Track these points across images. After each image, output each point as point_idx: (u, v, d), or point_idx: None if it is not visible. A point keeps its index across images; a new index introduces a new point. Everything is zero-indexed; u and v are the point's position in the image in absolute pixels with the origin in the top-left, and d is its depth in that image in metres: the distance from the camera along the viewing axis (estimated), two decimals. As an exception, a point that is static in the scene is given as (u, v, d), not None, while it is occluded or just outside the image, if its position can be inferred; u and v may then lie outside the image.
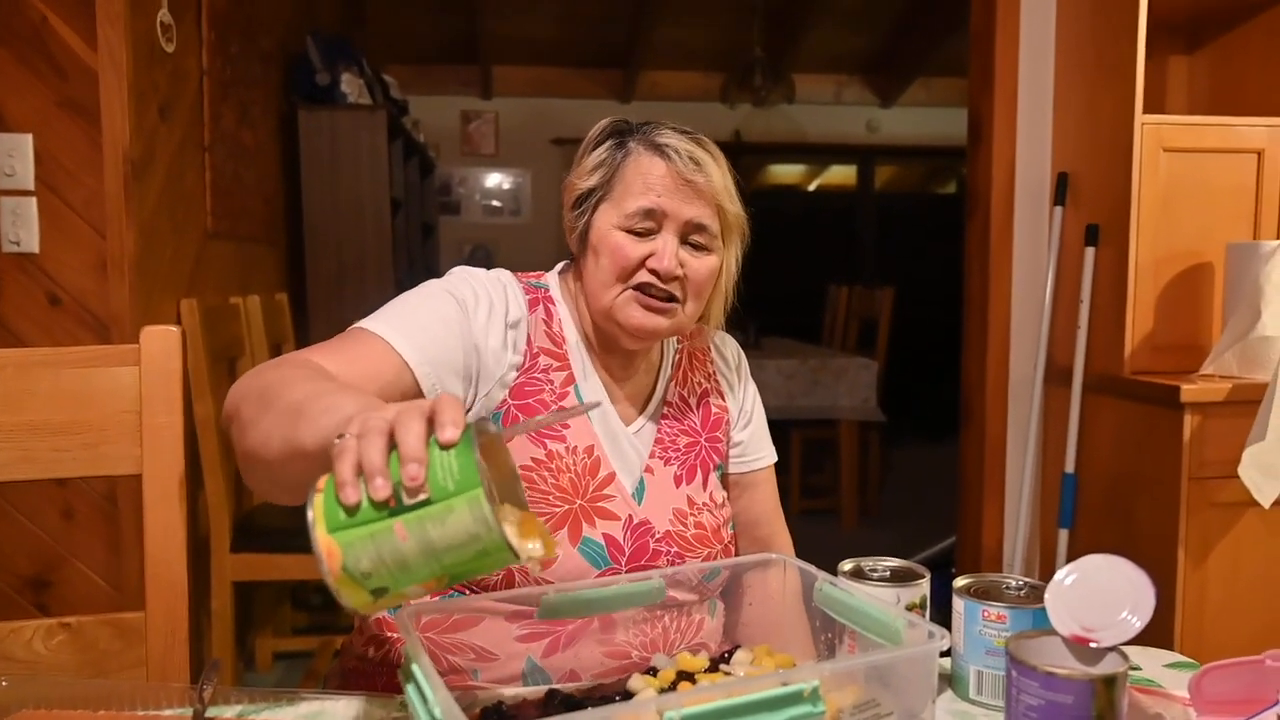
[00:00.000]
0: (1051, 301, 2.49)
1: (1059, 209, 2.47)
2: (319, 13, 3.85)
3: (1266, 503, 1.93)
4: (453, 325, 0.96)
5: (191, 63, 2.37)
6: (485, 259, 6.04)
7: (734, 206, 1.04)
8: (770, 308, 5.62)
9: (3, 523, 1.93)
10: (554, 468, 0.99)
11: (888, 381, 4.37)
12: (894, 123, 6.58)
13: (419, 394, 0.93)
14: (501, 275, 1.06)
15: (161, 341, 1.03)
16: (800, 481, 4.28)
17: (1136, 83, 2.13)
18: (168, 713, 0.78)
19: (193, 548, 1.04)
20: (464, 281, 1.02)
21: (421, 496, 0.59)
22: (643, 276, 1.00)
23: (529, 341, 1.03)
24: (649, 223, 1.00)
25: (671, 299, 1.01)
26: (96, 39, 1.91)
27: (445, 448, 0.60)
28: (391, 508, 0.59)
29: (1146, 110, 2.15)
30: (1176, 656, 0.96)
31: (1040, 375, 2.50)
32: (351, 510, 0.59)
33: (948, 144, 5.92)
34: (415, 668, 0.66)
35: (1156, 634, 0.70)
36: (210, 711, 0.74)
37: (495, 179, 6.16)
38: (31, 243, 1.92)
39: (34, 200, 1.92)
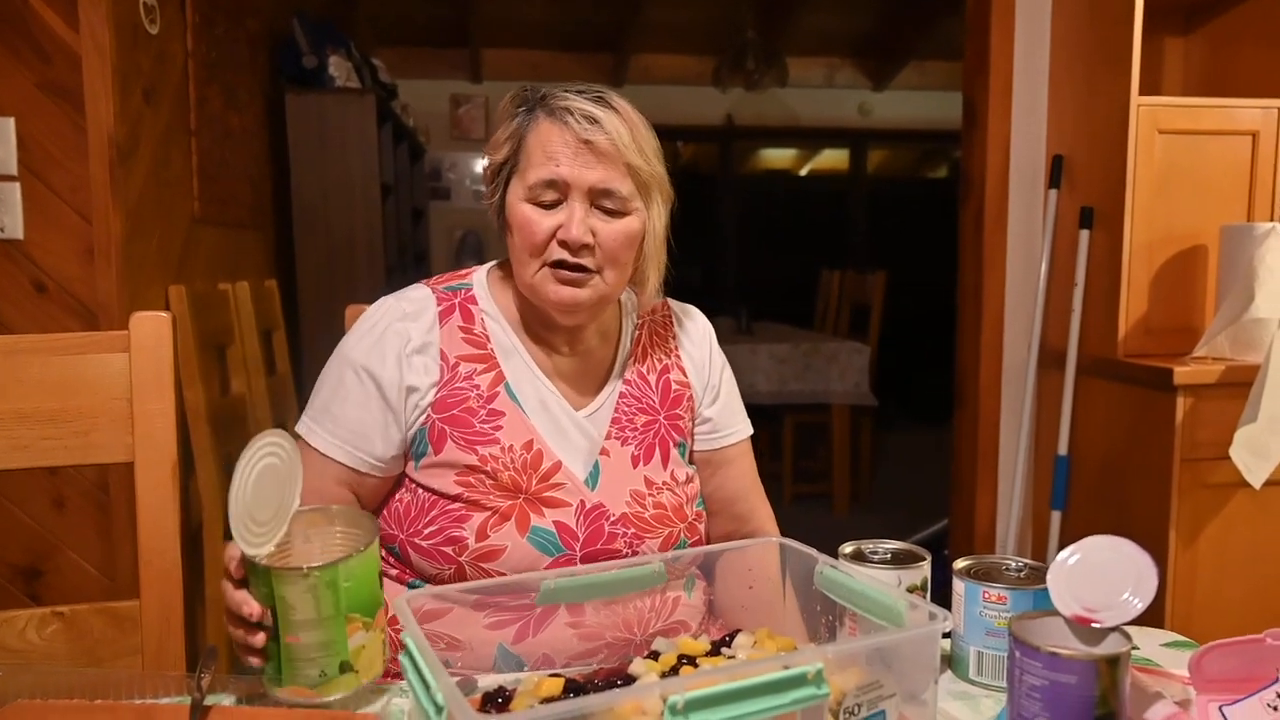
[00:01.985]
0: (1046, 285, 2.49)
1: (1054, 192, 2.47)
2: (306, -5, 3.80)
3: (1257, 484, 1.94)
4: (368, 404, 1.00)
5: (176, 45, 2.34)
6: (476, 245, 6.00)
7: (647, 164, 1.00)
8: (763, 292, 5.65)
9: (-7, 511, 1.92)
10: (490, 470, 0.99)
11: (880, 366, 4.37)
12: (887, 106, 6.55)
13: (359, 477, 1.02)
14: (407, 300, 1.05)
15: (152, 327, 1.02)
16: (792, 466, 4.29)
17: (1132, 64, 2.13)
18: (165, 701, 0.78)
19: (186, 535, 1.04)
20: (364, 342, 1.02)
21: (268, 616, 0.75)
22: (555, 252, 0.98)
23: (443, 355, 1.02)
24: (553, 193, 0.98)
25: (585, 269, 0.99)
26: (78, 21, 1.88)
27: (246, 580, 0.78)
28: (273, 638, 0.76)
29: (1142, 92, 2.15)
30: (1174, 636, 0.96)
31: (1034, 358, 2.51)
32: (269, 664, 0.77)
33: (941, 128, 5.91)
34: (417, 654, 0.65)
35: (1147, 613, 0.70)
36: (208, 699, 0.74)
37: (485, 164, 6.11)
38: (16, 229, 1.90)
39: (17, 186, 1.89)
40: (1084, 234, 2.33)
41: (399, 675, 0.93)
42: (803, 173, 7.28)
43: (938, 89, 6.21)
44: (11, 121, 1.87)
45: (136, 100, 2.07)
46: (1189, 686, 0.75)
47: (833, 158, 7.12)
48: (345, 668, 0.75)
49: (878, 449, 4.80)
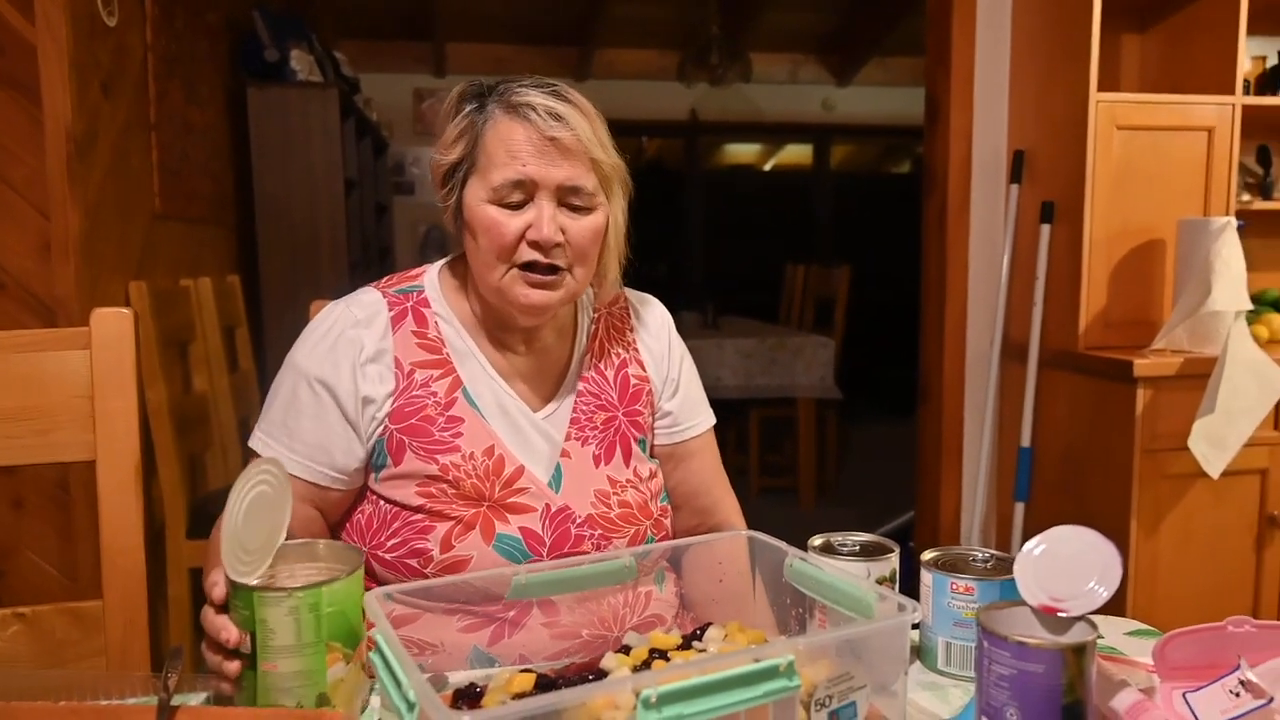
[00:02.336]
0: (1008, 278, 2.53)
1: (1015, 186, 2.51)
2: (267, -13, 3.74)
3: (1215, 474, 1.99)
4: (323, 416, 0.98)
5: (135, 38, 2.30)
6: (440, 240, 5.95)
7: (608, 156, 0.98)
8: (728, 287, 5.66)
9: (-53, 514, 1.87)
10: (451, 479, 0.97)
11: (845, 360, 4.41)
12: (850, 102, 6.61)
13: (319, 490, 0.99)
14: (357, 305, 1.02)
15: (114, 324, 1.00)
16: (758, 460, 4.31)
17: (1091, 61, 2.16)
18: (131, 702, 0.76)
19: (148, 535, 1.02)
20: (316, 351, 0.99)
21: (246, 640, 0.73)
22: (525, 254, 0.95)
23: (397, 363, 0.99)
24: (519, 193, 0.95)
25: (557, 269, 0.97)
26: (34, 13, 1.84)
27: (227, 603, 0.75)
28: (250, 666, 0.73)
29: (1100, 88, 2.18)
30: (1137, 624, 0.98)
31: (997, 351, 2.54)
32: (244, 690, 0.74)
33: (903, 123, 5.97)
34: (388, 652, 0.65)
35: (1111, 602, 0.71)
36: (175, 699, 0.73)
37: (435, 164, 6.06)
38: (-31, 224, 1.85)
39: (-29, 179, 1.85)
40: (1045, 228, 2.37)
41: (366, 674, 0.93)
42: (767, 168, 7.32)
43: (901, 85, 6.27)
44: (-37, 114, 1.83)
45: (94, 93, 2.02)
46: (1153, 674, 0.77)
47: (797, 153, 7.17)
48: (322, 700, 0.72)
49: (843, 442, 4.84)
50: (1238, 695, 0.70)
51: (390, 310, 1.02)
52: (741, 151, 7.25)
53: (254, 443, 1.00)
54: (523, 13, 5.48)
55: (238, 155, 3.19)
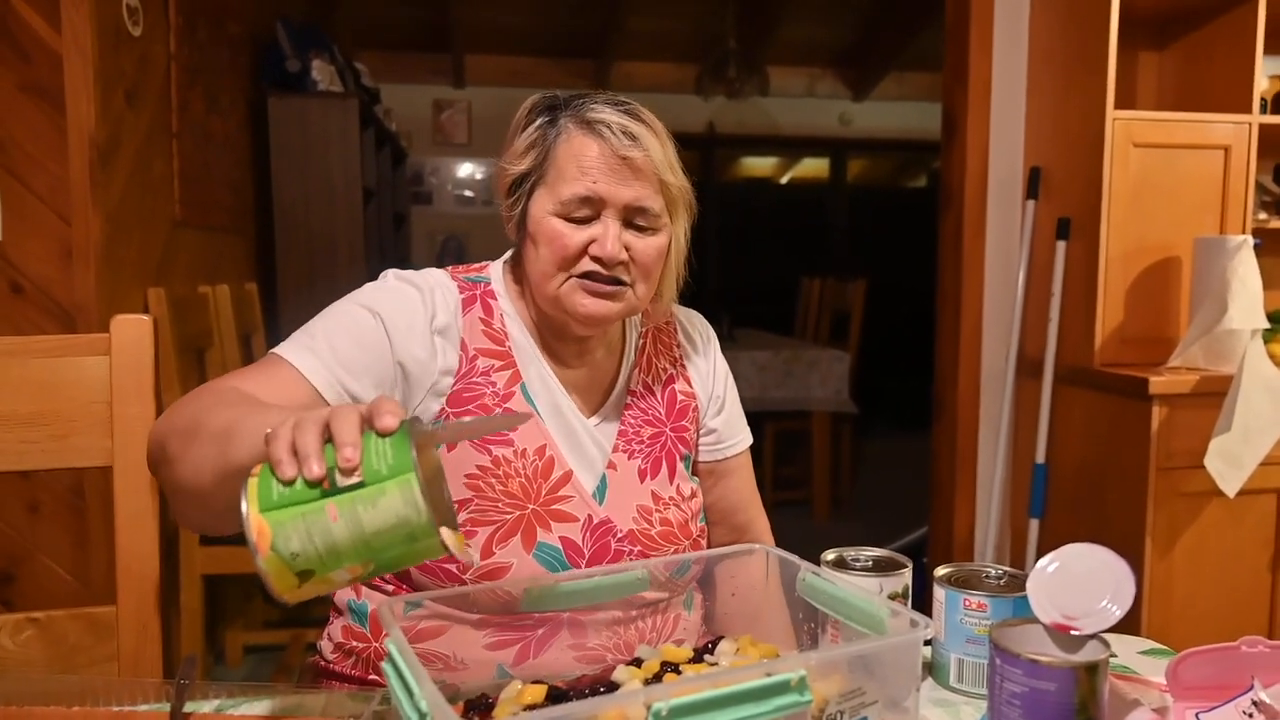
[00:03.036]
0: (1023, 294, 2.52)
1: (1031, 202, 2.50)
2: (289, -2, 3.79)
3: (1231, 492, 1.97)
4: (368, 343, 0.93)
5: (159, 48, 2.33)
6: (458, 249, 5.99)
7: (677, 179, 0.97)
8: (744, 299, 5.66)
9: (-34, 516, 1.89)
10: (501, 474, 0.95)
11: (860, 373, 4.40)
12: (867, 116, 6.61)
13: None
14: (430, 276, 1.00)
15: (133, 330, 1.01)
16: (773, 473, 4.30)
17: (1108, 78, 2.16)
18: (143, 708, 0.77)
19: (163, 541, 1.02)
20: (384, 292, 0.97)
21: (355, 478, 0.60)
22: (586, 265, 0.95)
23: (463, 345, 0.98)
24: (587, 209, 0.94)
25: (619, 281, 0.96)
26: (60, 22, 1.86)
27: (382, 435, 0.62)
28: (324, 489, 0.60)
29: (1117, 105, 2.18)
30: (1150, 643, 0.98)
31: (1012, 367, 2.53)
32: (285, 489, 0.60)
33: (920, 138, 5.97)
34: (400, 661, 0.65)
35: (1124, 621, 0.71)
36: (187, 707, 0.73)
37: (467, 169, 6.11)
38: (-7, 230, 1.88)
39: (-5, 186, 1.87)
40: (1061, 244, 2.36)
41: (375, 683, 0.93)
42: (784, 181, 7.32)
43: (917, 99, 6.28)
44: (-11, 122, 1.85)
45: (118, 102, 2.05)
46: (1166, 694, 0.76)
47: (813, 166, 7.17)
48: (305, 576, 0.60)
49: (857, 456, 4.83)
50: (1250, 716, 0.69)
51: (461, 293, 1.01)
52: (758, 164, 7.26)
53: (277, 348, 0.92)
54: (541, 25, 5.53)
55: (258, 164, 3.23)
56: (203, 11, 2.64)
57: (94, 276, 1.91)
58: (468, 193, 6.12)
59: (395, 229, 4.77)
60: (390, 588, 0.98)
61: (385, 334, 0.94)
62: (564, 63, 6.02)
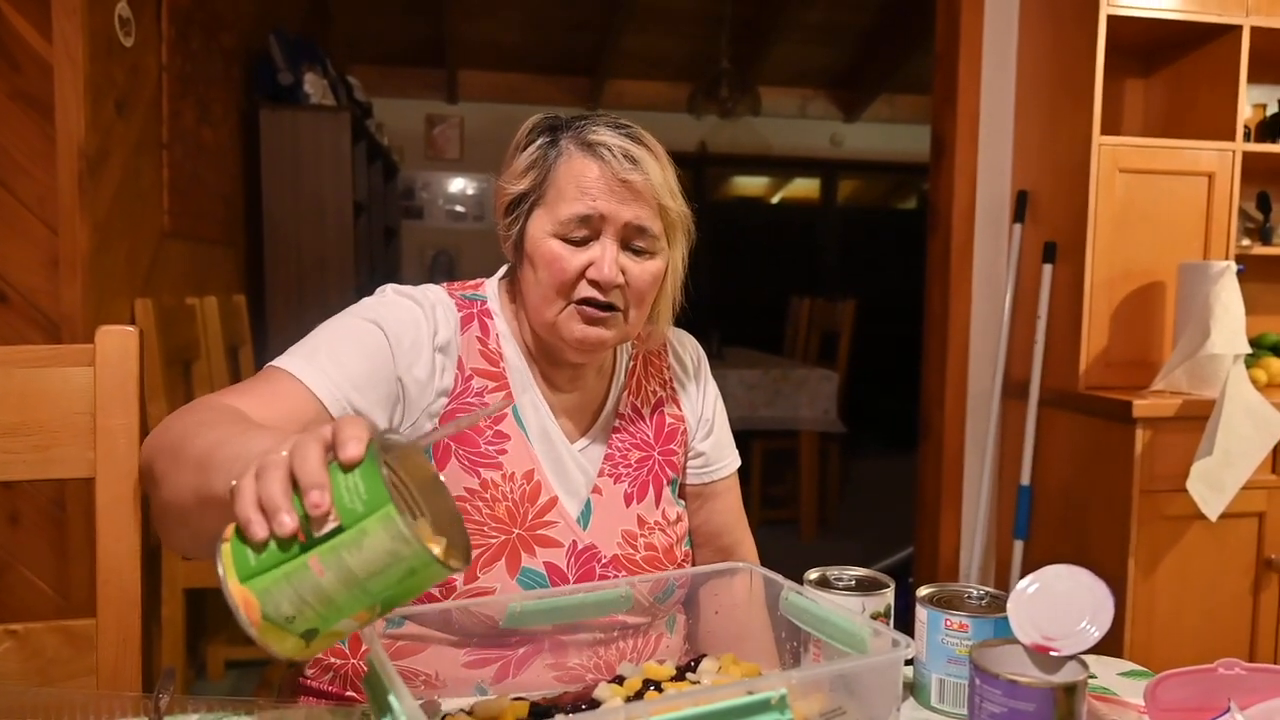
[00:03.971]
0: (1010, 317, 2.54)
1: (1018, 226, 2.52)
2: (282, 11, 3.81)
3: (1213, 516, 1.99)
4: (372, 356, 0.91)
5: (150, 58, 2.33)
6: (448, 265, 5.99)
7: (676, 204, 0.97)
8: (733, 318, 5.68)
9: (-55, 526, 1.88)
10: (489, 497, 0.94)
11: (848, 393, 4.41)
12: (857, 137, 6.67)
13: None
14: (430, 292, 1.00)
15: (118, 341, 1.01)
16: (760, 492, 4.30)
17: (1094, 104, 2.19)
18: (120, 722, 0.76)
19: (144, 554, 1.02)
20: (387, 306, 0.96)
21: (331, 525, 0.54)
22: (584, 291, 0.94)
23: (460, 364, 0.97)
24: (585, 230, 0.94)
25: (612, 307, 0.96)
26: (52, 31, 1.86)
27: (348, 468, 0.56)
28: (302, 543, 0.55)
29: (1103, 131, 2.21)
30: (1130, 665, 0.98)
31: (998, 389, 2.55)
32: (260, 551, 0.55)
33: (910, 160, 6.02)
34: (380, 677, 0.65)
35: (1106, 642, 0.71)
36: (165, 721, 0.73)
37: (459, 184, 6.12)
38: (-20, 238, 1.87)
39: (-17, 194, 1.87)
40: (1047, 268, 2.38)
41: (353, 700, 0.92)
42: (774, 200, 7.37)
43: (907, 122, 6.33)
44: (-21, 130, 1.85)
45: (108, 112, 2.05)
46: (1144, 715, 0.76)
47: (804, 186, 7.22)
48: (310, 636, 0.57)
49: (845, 476, 4.83)
50: (1228, 739, 0.70)
51: (459, 311, 1.00)
52: (749, 184, 7.30)
53: (277, 360, 0.90)
54: (535, 42, 5.56)
55: (248, 176, 3.23)
56: (195, 22, 2.65)
57: (80, 286, 1.91)
58: (459, 208, 6.13)
59: (385, 243, 4.77)
60: None
61: (389, 349, 0.93)
62: (558, 80, 6.05)
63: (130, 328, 1.02)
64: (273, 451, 0.58)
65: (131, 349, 1.01)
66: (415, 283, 1.03)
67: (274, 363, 0.90)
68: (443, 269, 5.95)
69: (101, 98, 2.01)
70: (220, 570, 0.56)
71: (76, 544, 1.90)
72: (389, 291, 0.99)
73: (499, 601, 0.89)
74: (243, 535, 0.56)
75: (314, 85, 3.35)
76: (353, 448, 0.56)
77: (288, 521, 0.54)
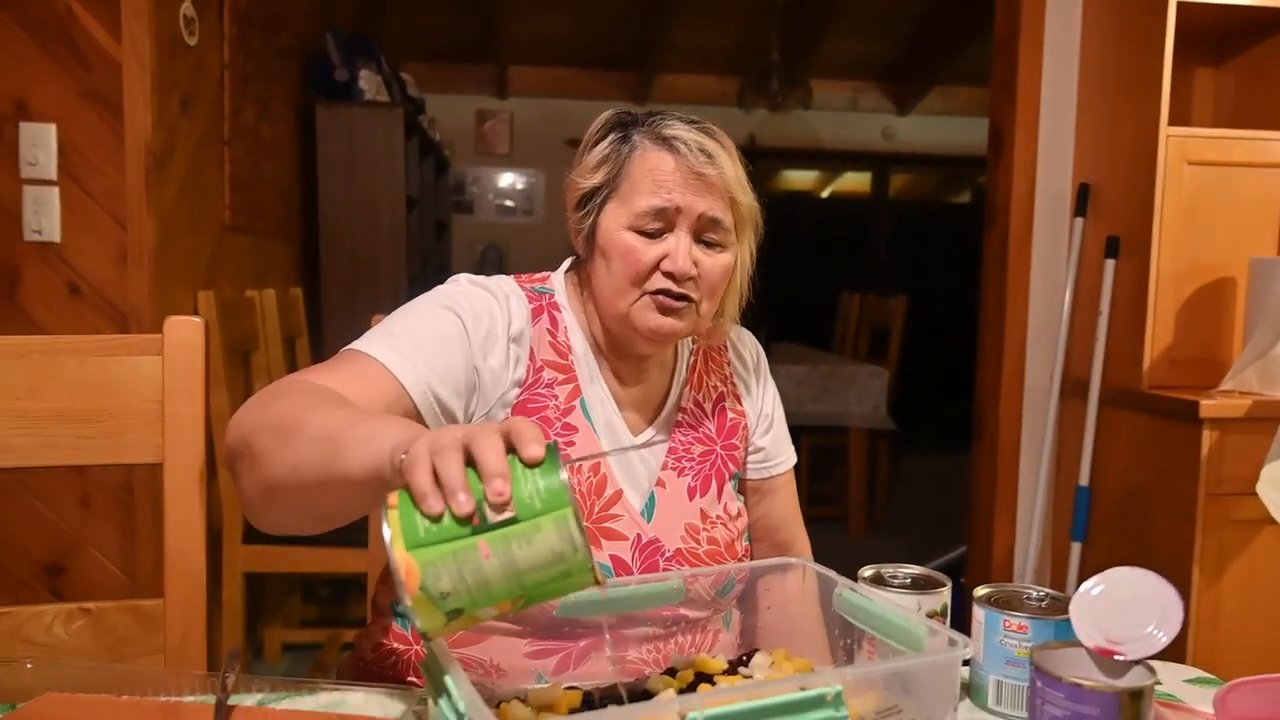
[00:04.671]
0: (1070, 313, 2.48)
1: (1079, 220, 2.46)
2: (338, 9, 3.87)
3: (1284, 520, 1.92)
4: (450, 344, 0.92)
5: (213, 57, 2.39)
6: (497, 259, 6.04)
7: (747, 198, 0.99)
8: (782, 314, 5.64)
9: (22, 509, 1.94)
10: None
11: (899, 390, 4.36)
12: (910, 131, 6.57)
13: (417, 418, 0.89)
14: (504, 283, 1.01)
15: (185, 331, 1.04)
16: (809, 488, 4.27)
17: (1162, 94, 2.12)
18: (189, 699, 0.78)
19: (206, 538, 1.05)
20: (464, 295, 0.97)
21: (508, 513, 0.57)
22: (658, 281, 0.96)
23: (532, 355, 0.98)
24: (659, 222, 0.95)
25: (686, 299, 0.97)
26: (120, 31, 1.92)
27: (530, 466, 0.59)
28: (474, 525, 0.57)
29: (1171, 122, 2.14)
30: (1196, 672, 0.95)
31: (1056, 387, 2.49)
32: (432, 526, 0.57)
33: (964, 153, 5.92)
34: (439, 662, 0.65)
35: (1169, 648, 0.69)
36: (231, 699, 0.75)
37: (509, 179, 6.17)
38: (53, 232, 1.93)
39: (56, 190, 1.93)
40: (1109, 263, 2.32)
41: (413, 685, 0.94)
42: (825, 195, 7.29)
43: (962, 114, 6.22)
44: (53, 128, 1.91)
45: (173, 109, 2.10)
46: (1212, 722, 0.74)
47: (855, 180, 7.14)
48: (454, 615, 0.59)
49: (894, 474, 4.77)
50: (1304, 750, 0.68)
51: (530, 303, 1.01)
52: (799, 178, 7.24)
53: (355, 344, 0.90)
54: (584, 37, 5.57)
55: (304, 171, 3.29)
56: (256, 22, 2.70)
57: (147, 279, 1.96)
58: (508, 202, 6.18)
59: (436, 237, 4.82)
60: None
61: (467, 337, 0.94)
62: (607, 74, 6.06)
63: (197, 318, 1.04)
64: (433, 432, 0.61)
65: (198, 339, 1.04)
66: (495, 275, 1.04)
67: (354, 346, 0.91)
68: (492, 263, 6.01)
69: (167, 96, 2.06)
70: (387, 535, 0.57)
71: (143, 527, 1.96)
72: (463, 281, 1.01)
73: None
74: (416, 507, 0.58)
75: (368, 82, 3.40)
76: (535, 448, 0.59)
77: (465, 501, 0.56)
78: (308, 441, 0.71)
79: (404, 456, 0.60)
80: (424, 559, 0.57)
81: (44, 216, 1.92)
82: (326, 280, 3.32)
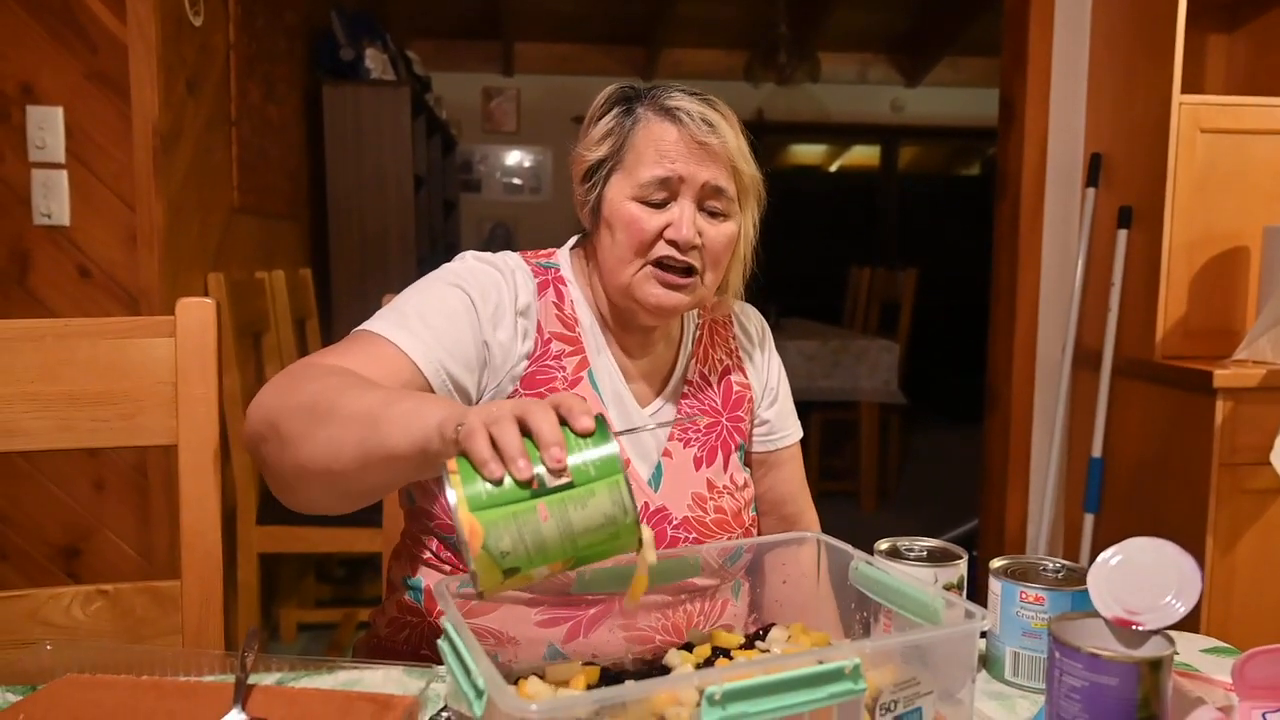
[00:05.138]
0: (1082, 284, 2.46)
1: (1091, 190, 2.44)
2: (343, -13, 3.84)
3: (1299, 490, 1.91)
4: (459, 320, 0.94)
5: (219, 37, 2.37)
6: (505, 237, 6.03)
7: (749, 168, 1.00)
8: (792, 288, 5.63)
9: (37, 492, 1.96)
10: None
11: (909, 364, 4.34)
12: (919, 103, 6.50)
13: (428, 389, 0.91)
14: (509, 259, 1.03)
15: (197, 313, 1.04)
16: (819, 463, 4.27)
17: (1175, 62, 2.09)
18: (208, 679, 0.79)
19: (221, 519, 1.05)
20: (470, 271, 0.99)
21: (565, 479, 0.62)
22: (660, 250, 0.97)
23: (539, 328, 1.00)
24: (663, 192, 0.96)
25: (690, 271, 0.98)
26: (126, 12, 1.91)
27: (581, 436, 0.64)
28: (533, 489, 0.62)
29: (1184, 90, 2.11)
30: (1212, 642, 0.95)
31: (1068, 359, 2.48)
32: (493, 489, 0.61)
33: (974, 124, 5.85)
34: (456, 638, 0.66)
35: (1184, 618, 0.69)
36: (250, 679, 0.75)
37: (516, 156, 6.14)
38: (62, 215, 1.93)
39: (64, 173, 1.92)
40: (1122, 233, 2.30)
41: (433, 660, 0.94)
42: (833, 169, 7.24)
43: (972, 85, 6.16)
44: (60, 111, 1.91)
45: (180, 91, 2.10)
46: (1231, 693, 0.74)
47: (864, 154, 7.08)
48: (510, 574, 0.63)
49: (905, 448, 4.77)
50: (1325, 718, 0.67)
51: (535, 277, 1.03)
52: (808, 152, 7.18)
53: (366, 324, 0.92)
54: (590, 13, 5.52)
55: (312, 151, 3.28)
56: (260, 1, 2.68)
57: (157, 260, 1.96)
58: (516, 180, 6.16)
59: (444, 216, 4.81)
60: (448, 567, 1.00)
61: (475, 313, 0.95)
62: (613, 50, 6.01)
63: (208, 300, 1.04)
64: (483, 406, 0.66)
65: (210, 320, 1.04)
66: (501, 251, 1.05)
67: (365, 327, 0.93)
68: (500, 241, 5.99)
69: (173, 77, 2.05)
70: (452, 499, 0.62)
71: (158, 509, 1.97)
72: (469, 258, 1.02)
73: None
74: (477, 472, 0.62)
75: (374, 60, 3.38)
76: (586, 420, 0.64)
77: (525, 467, 0.61)
78: (344, 421, 0.74)
79: (460, 426, 0.64)
80: (487, 520, 0.61)
81: (53, 200, 1.92)
82: (335, 261, 3.32)
